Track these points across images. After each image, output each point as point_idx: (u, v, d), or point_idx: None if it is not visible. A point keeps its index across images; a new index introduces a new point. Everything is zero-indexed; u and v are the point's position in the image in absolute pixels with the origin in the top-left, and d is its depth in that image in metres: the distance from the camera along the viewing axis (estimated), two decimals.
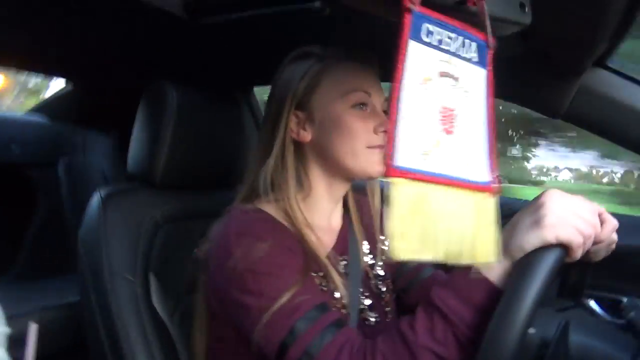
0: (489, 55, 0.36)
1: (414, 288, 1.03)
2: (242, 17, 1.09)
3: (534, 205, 0.62)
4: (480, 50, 0.36)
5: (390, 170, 0.30)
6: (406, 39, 0.32)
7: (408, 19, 0.32)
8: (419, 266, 1.04)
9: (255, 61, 1.32)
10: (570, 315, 0.69)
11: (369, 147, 0.85)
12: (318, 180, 0.90)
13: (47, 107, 2.02)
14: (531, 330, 0.66)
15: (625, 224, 0.72)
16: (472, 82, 0.35)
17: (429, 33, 0.33)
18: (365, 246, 0.99)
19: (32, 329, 0.56)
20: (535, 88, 0.92)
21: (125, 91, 1.81)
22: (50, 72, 1.86)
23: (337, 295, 0.84)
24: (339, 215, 0.97)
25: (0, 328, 0.60)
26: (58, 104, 2.00)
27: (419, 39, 0.32)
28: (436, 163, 0.32)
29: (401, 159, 0.30)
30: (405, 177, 0.31)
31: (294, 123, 0.87)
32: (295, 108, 0.87)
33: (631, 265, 0.92)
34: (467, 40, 0.35)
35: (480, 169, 0.35)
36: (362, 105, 0.86)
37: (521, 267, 0.59)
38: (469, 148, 0.34)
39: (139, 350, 0.93)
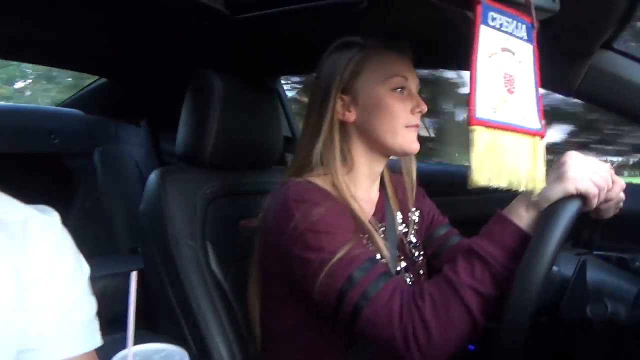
0: (534, 34, 0.48)
1: (443, 253, 1.14)
2: (279, 12, 1.21)
3: (557, 164, 0.75)
4: (528, 30, 0.47)
5: (472, 120, 0.42)
6: (479, 24, 0.44)
7: (479, 9, 0.44)
8: (447, 234, 1.16)
9: (288, 52, 1.43)
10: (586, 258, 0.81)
11: (406, 127, 0.97)
12: (360, 156, 1.02)
13: (82, 101, 2.14)
14: (554, 268, 0.79)
15: (630, 191, 0.85)
16: (524, 54, 0.46)
17: (493, 19, 0.44)
18: (399, 216, 1.11)
19: (133, 276, 0.60)
20: (549, 69, 1.03)
21: (155, 84, 1.94)
22: (88, 69, 1.97)
23: (378, 256, 0.96)
24: (376, 189, 1.09)
25: (84, 267, 0.67)
26: (92, 98, 2.12)
27: (487, 24, 0.44)
28: (503, 115, 0.44)
29: (479, 112, 0.42)
30: (482, 125, 0.42)
31: (339, 105, 0.99)
32: (340, 92, 0.98)
33: (633, 228, 1.05)
34: (519, 23, 0.46)
35: (533, 119, 0.47)
36: (400, 88, 0.97)
37: (548, 214, 0.71)
38: (524, 104, 0.46)
39: (205, 305, 1.05)
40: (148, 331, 1.15)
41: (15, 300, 0.58)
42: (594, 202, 0.73)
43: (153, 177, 1.21)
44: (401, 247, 1.07)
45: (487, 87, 0.42)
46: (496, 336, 0.72)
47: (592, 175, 0.73)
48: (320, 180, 0.97)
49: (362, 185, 1.04)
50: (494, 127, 0.43)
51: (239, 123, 1.28)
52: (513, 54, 0.45)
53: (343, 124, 1.00)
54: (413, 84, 0.99)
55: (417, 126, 0.99)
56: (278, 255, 0.94)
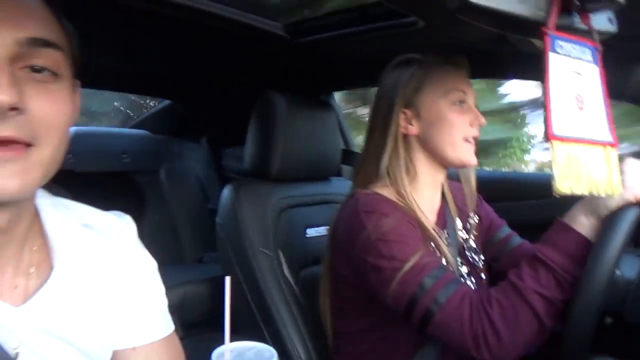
0: (599, 57, 0.54)
1: (503, 257, 1.17)
2: (337, 35, 1.30)
3: None
4: (592, 54, 0.54)
5: (550, 136, 0.49)
6: (547, 52, 0.51)
7: (547, 39, 0.51)
8: (506, 237, 1.19)
9: (343, 70, 1.52)
10: None
11: (465, 139, 1.02)
12: (422, 167, 1.07)
13: (149, 122, 2.31)
14: (617, 272, 0.82)
15: None
16: (591, 75, 0.53)
17: (561, 46, 0.51)
18: (459, 223, 1.16)
19: (227, 281, 0.66)
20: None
21: (216, 104, 2.08)
22: (156, 93, 2.13)
23: (444, 262, 1.01)
24: (438, 198, 1.13)
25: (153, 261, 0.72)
26: (157, 119, 2.29)
27: (555, 51, 0.51)
28: (576, 130, 0.50)
29: (555, 129, 0.49)
30: (560, 140, 0.49)
31: (402, 119, 1.04)
32: (403, 107, 1.04)
33: None
34: (584, 48, 0.53)
35: (604, 131, 0.53)
36: (460, 102, 1.03)
37: (609, 221, 0.75)
38: (595, 118, 0.52)
39: (282, 308, 1.15)
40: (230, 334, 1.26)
41: (109, 290, 0.65)
42: None
43: (227, 191, 1.32)
44: (462, 253, 1.11)
45: (560, 106, 0.49)
46: (562, 339, 0.77)
47: None
48: (386, 191, 1.03)
49: (424, 194, 1.08)
50: (570, 141, 0.49)
51: (301, 139, 1.37)
52: (580, 75, 0.51)
53: (405, 137, 1.05)
54: (471, 97, 1.04)
55: (475, 138, 1.04)
56: (351, 264, 1.00)
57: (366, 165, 1.08)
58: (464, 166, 1.08)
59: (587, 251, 0.80)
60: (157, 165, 2.23)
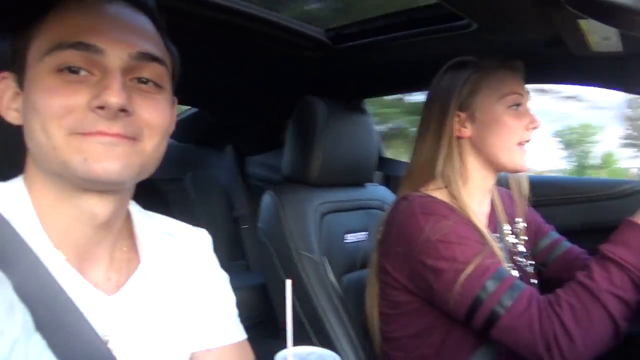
0: None
1: (553, 262, 1.17)
2: (376, 40, 1.30)
3: None
4: None
5: None
6: None
7: None
8: (554, 242, 1.18)
9: (382, 75, 1.52)
10: None
11: (519, 144, 1.02)
12: (474, 171, 1.06)
13: (174, 130, 2.30)
14: None
15: None
16: None
17: None
18: (507, 228, 1.15)
19: (288, 284, 0.67)
20: (634, 76, 1.07)
21: (244, 111, 2.08)
22: (185, 101, 2.13)
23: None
24: (488, 202, 1.13)
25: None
26: (183, 127, 2.29)
27: None
28: None
29: None
30: None
31: (456, 122, 1.04)
32: (457, 109, 1.04)
33: None
34: None
35: None
36: (516, 105, 1.02)
37: None
38: None
39: (329, 312, 1.13)
40: (274, 339, 1.24)
41: (187, 291, 0.70)
42: None
43: (268, 197, 1.31)
44: (511, 258, 1.11)
45: None
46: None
47: None
48: (439, 194, 1.03)
49: (476, 198, 1.08)
50: None
51: (341, 144, 1.37)
52: None
53: (458, 140, 1.05)
54: (526, 101, 1.04)
55: (529, 142, 1.03)
56: (407, 267, 0.99)
57: (419, 167, 1.08)
58: (516, 171, 1.07)
59: None
60: (182, 173, 2.22)
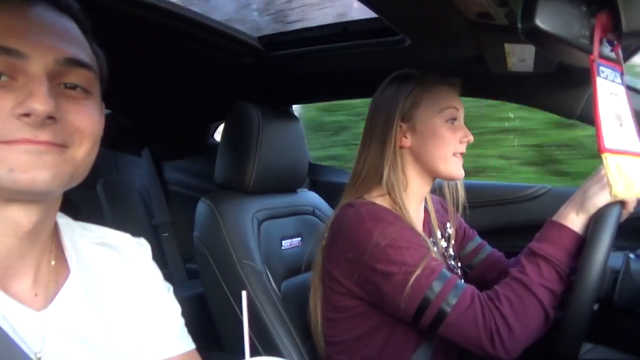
0: (624, 79, 0.64)
1: (477, 265, 1.28)
2: (314, 50, 1.33)
3: (598, 175, 0.91)
4: (620, 77, 0.63)
5: (602, 149, 0.57)
6: (595, 77, 0.58)
7: (594, 65, 0.59)
8: (478, 247, 1.29)
9: (313, 83, 1.55)
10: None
11: (454, 154, 1.10)
12: (412, 179, 1.12)
13: None
14: None
15: None
16: (621, 95, 0.61)
17: (602, 71, 0.59)
18: (439, 233, 1.23)
19: (244, 295, 0.65)
20: (559, 96, 1.23)
21: (163, 114, 1.99)
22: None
23: None
24: (422, 208, 1.20)
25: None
26: None
27: (599, 75, 0.59)
28: (620, 143, 0.58)
29: (606, 143, 0.57)
30: (610, 152, 0.57)
31: (398, 132, 1.09)
32: (400, 120, 1.09)
33: None
34: (615, 72, 0.62)
35: (636, 143, 0.61)
36: (453, 119, 1.10)
37: (599, 218, 0.86)
38: (630, 133, 0.61)
39: (276, 322, 1.13)
40: (218, 352, 1.21)
41: (125, 303, 0.68)
42: (631, 207, 0.90)
43: (203, 205, 1.28)
44: (444, 261, 1.18)
45: (607, 123, 0.57)
46: (562, 327, 0.86)
47: None
48: (381, 200, 1.07)
49: (413, 205, 1.14)
50: (617, 153, 0.57)
51: (275, 150, 1.37)
52: (616, 96, 0.60)
53: (400, 149, 1.10)
54: (462, 116, 1.12)
55: (462, 153, 1.12)
56: (357, 272, 1.01)
57: (363, 174, 1.11)
58: (452, 179, 1.14)
59: (579, 245, 0.91)
60: (93, 180, 2.07)
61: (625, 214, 0.92)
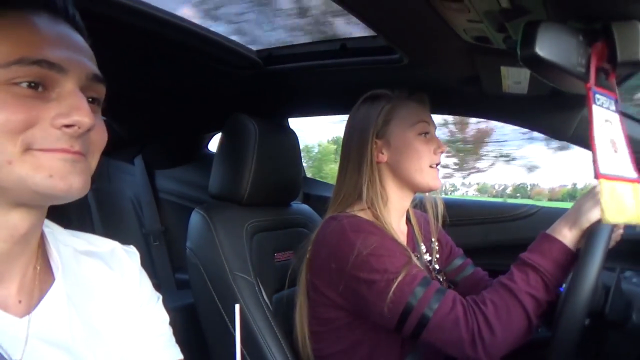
0: (618, 106, 0.65)
1: (461, 282, 1.29)
2: (312, 65, 1.35)
3: (592, 192, 0.94)
4: (615, 104, 0.65)
5: (598, 174, 0.58)
6: (591, 104, 0.60)
7: (590, 94, 0.60)
8: (463, 264, 1.31)
9: (308, 97, 1.57)
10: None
11: (430, 166, 1.13)
12: (392, 193, 1.16)
13: None
14: None
15: None
16: (615, 122, 0.63)
17: (598, 99, 0.61)
18: (423, 247, 1.25)
19: (237, 308, 0.66)
20: (552, 118, 1.26)
21: (158, 123, 1.99)
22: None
23: None
24: (404, 222, 1.23)
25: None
26: None
27: (595, 103, 0.61)
28: (614, 169, 0.60)
29: (602, 169, 0.58)
30: (605, 178, 0.58)
31: (374, 148, 1.13)
32: (375, 137, 1.13)
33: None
34: (610, 100, 0.64)
35: (631, 170, 0.63)
36: (425, 133, 1.13)
37: (593, 231, 0.87)
38: (624, 159, 0.62)
39: (268, 336, 1.13)
40: None
41: (110, 311, 0.68)
42: (622, 225, 0.92)
43: (197, 216, 1.27)
44: (429, 274, 1.20)
45: (602, 149, 0.59)
46: (552, 342, 0.87)
47: None
48: (363, 214, 1.10)
49: (394, 218, 1.17)
50: (612, 179, 0.58)
51: (270, 163, 1.37)
52: (611, 123, 0.62)
53: (377, 165, 1.14)
54: (433, 129, 1.16)
55: (438, 164, 1.15)
56: (342, 282, 1.03)
57: (344, 191, 1.14)
58: (430, 190, 1.17)
59: (570, 259, 0.93)
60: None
61: (617, 231, 0.95)
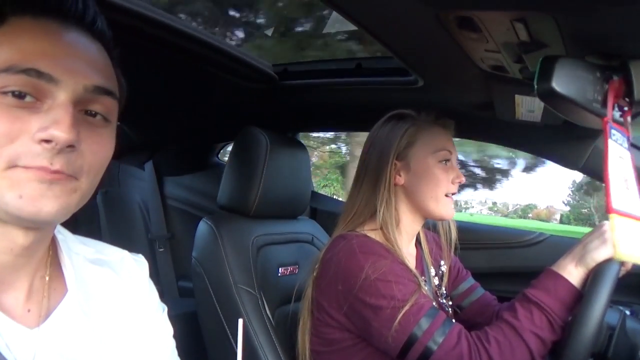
0: (629, 144, 0.65)
1: (468, 306, 1.27)
2: (323, 83, 1.36)
3: (600, 230, 0.93)
4: (627, 141, 0.65)
5: (610, 209, 0.58)
6: (607, 139, 0.60)
7: (607, 127, 0.61)
8: (471, 288, 1.29)
9: (324, 113, 1.58)
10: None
11: (446, 195, 1.12)
12: (404, 216, 1.14)
13: None
14: None
15: None
16: (627, 159, 0.63)
17: (613, 134, 0.61)
18: (432, 271, 1.24)
19: (240, 323, 0.64)
20: (564, 147, 1.25)
21: (170, 129, 2.01)
22: None
23: None
24: (414, 245, 1.22)
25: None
26: None
27: (611, 138, 0.61)
28: (627, 205, 0.60)
29: (614, 204, 0.58)
30: (618, 214, 0.58)
31: (392, 169, 1.11)
32: (395, 158, 1.11)
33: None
34: (623, 137, 0.64)
35: (639, 208, 0.63)
36: (446, 161, 1.12)
37: (598, 272, 0.87)
38: (635, 197, 0.62)
39: (268, 350, 1.13)
40: None
41: (119, 321, 0.67)
42: (630, 265, 0.91)
43: (204, 226, 1.28)
44: (435, 298, 1.18)
45: (616, 185, 0.59)
46: None
47: None
48: (373, 234, 1.09)
49: (404, 241, 1.16)
50: (624, 215, 0.58)
51: (280, 176, 1.38)
52: (623, 159, 0.62)
53: (394, 186, 1.11)
54: (454, 157, 1.15)
55: (454, 194, 1.14)
56: (347, 304, 1.02)
57: (357, 208, 1.13)
58: (442, 219, 1.16)
59: (575, 297, 0.92)
60: (95, 190, 2.07)
61: (623, 271, 0.93)
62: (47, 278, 0.61)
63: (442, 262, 1.28)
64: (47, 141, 0.50)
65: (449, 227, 1.24)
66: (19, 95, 0.50)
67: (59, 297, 0.61)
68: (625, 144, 0.64)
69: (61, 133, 0.50)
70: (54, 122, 0.50)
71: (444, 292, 1.25)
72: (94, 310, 0.64)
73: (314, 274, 1.11)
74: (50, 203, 0.51)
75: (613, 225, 0.57)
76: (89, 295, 0.64)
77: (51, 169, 0.50)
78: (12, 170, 0.50)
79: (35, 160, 0.50)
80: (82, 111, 0.55)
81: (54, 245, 0.64)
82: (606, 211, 0.58)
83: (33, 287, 0.59)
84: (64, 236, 0.67)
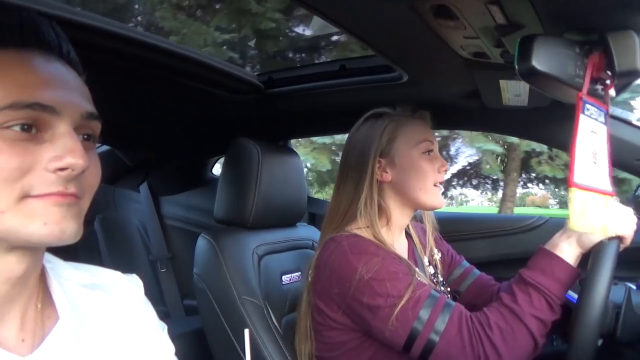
0: (608, 119, 0.65)
1: (466, 289, 1.28)
2: (308, 87, 1.36)
3: None
4: (605, 116, 0.65)
5: (572, 183, 0.58)
6: (579, 113, 0.60)
7: (580, 103, 0.61)
8: (465, 271, 1.30)
9: (312, 118, 1.58)
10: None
11: (434, 185, 1.12)
12: (394, 211, 1.15)
13: None
14: None
15: None
16: (601, 134, 0.63)
17: (587, 109, 0.61)
18: (425, 259, 1.24)
19: (246, 333, 0.67)
20: (554, 129, 1.26)
21: (161, 150, 2.01)
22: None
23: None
24: (404, 237, 1.23)
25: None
26: None
27: (584, 113, 0.61)
28: (590, 180, 0.60)
29: (576, 178, 0.58)
30: (578, 187, 0.58)
31: (377, 168, 1.12)
32: (378, 156, 1.12)
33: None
34: (600, 111, 0.64)
35: (607, 183, 0.63)
36: (429, 151, 1.13)
37: (598, 253, 0.86)
38: (602, 172, 0.62)
39: (278, 358, 1.12)
40: None
41: (115, 345, 0.67)
42: (629, 241, 0.91)
43: (203, 241, 1.27)
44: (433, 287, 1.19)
45: (582, 159, 0.59)
46: None
47: (627, 220, 0.89)
48: (363, 232, 1.09)
49: (395, 235, 1.17)
50: (585, 189, 0.58)
51: (275, 185, 1.38)
52: (596, 134, 0.62)
53: (379, 184, 1.13)
54: (436, 147, 1.16)
55: (442, 183, 1.15)
56: (345, 305, 1.02)
57: (341, 209, 1.13)
58: (433, 208, 1.17)
59: (571, 275, 0.92)
60: (92, 216, 2.06)
61: (622, 247, 0.93)
62: (39, 306, 0.61)
63: (435, 250, 1.28)
64: (63, 169, 0.52)
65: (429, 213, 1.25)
66: (26, 129, 0.52)
67: (52, 324, 0.61)
68: (602, 119, 0.64)
69: (78, 160, 0.52)
70: (67, 151, 0.52)
71: (441, 279, 1.25)
72: (87, 334, 0.64)
73: (309, 279, 1.11)
74: (71, 224, 0.53)
75: (572, 198, 0.57)
76: (82, 320, 0.64)
77: (67, 193, 0.53)
78: (25, 202, 0.51)
79: (50, 188, 0.52)
80: (80, 136, 0.57)
81: (43, 275, 0.64)
82: (567, 184, 0.58)
83: (26, 317, 0.59)
84: (52, 264, 0.66)
